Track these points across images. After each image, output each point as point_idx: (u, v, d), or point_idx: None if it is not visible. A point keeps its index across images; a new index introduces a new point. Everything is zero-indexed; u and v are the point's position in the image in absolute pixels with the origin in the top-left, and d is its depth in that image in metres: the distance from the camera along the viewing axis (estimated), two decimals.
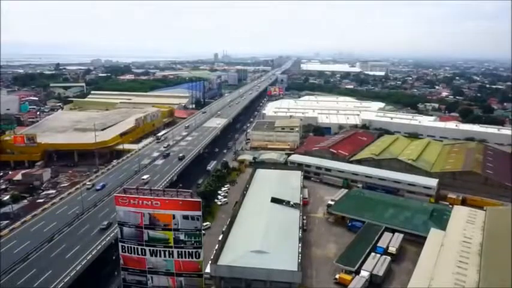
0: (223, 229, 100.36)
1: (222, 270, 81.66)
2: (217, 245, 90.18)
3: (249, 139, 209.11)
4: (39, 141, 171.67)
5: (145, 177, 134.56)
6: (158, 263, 69.38)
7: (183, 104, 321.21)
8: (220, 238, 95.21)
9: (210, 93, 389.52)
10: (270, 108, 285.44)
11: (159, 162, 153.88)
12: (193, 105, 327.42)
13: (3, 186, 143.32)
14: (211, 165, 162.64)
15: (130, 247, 69.14)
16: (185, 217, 65.28)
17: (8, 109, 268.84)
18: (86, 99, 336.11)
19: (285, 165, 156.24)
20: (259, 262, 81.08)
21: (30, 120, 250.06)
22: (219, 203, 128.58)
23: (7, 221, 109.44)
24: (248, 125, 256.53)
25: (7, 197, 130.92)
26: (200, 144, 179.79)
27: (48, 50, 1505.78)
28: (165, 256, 68.50)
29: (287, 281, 79.55)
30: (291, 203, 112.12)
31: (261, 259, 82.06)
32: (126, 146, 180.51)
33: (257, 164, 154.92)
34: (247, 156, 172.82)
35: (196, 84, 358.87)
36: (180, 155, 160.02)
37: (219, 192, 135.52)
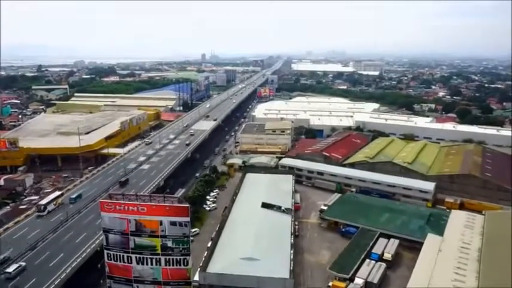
0: (212, 235, 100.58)
1: (211, 278, 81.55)
2: (206, 252, 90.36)
3: (238, 142, 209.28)
4: (22, 145, 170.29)
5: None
6: (145, 271, 69.30)
7: (170, 106, 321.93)
8: (209, 245, 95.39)
9: (198, 94, 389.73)
10: (260, 110, 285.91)
11: (146, 166, 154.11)
12: (181, 108, 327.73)
13: None
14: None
15: (116, 255, 69.09)
16: (173, 223, 65.40)
17: None
18: (69, 102, 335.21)
19: (275, 169, 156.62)
20: (249, 269, 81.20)
21: (12, 123, 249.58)
22: (208, 208, 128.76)
23: None
24: (237, 127, 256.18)
25: None
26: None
27: (28, 52, 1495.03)
28: (151, 264, 68.43)
29: None
30: (282, 208, 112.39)
31: (251, 266, 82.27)
32: (111, 150, 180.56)
33: (247, 168, 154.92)
34: (237, 160, 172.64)
35: (183, 85, 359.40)
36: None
37: (208, 197, 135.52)
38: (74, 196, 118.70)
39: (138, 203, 65.85)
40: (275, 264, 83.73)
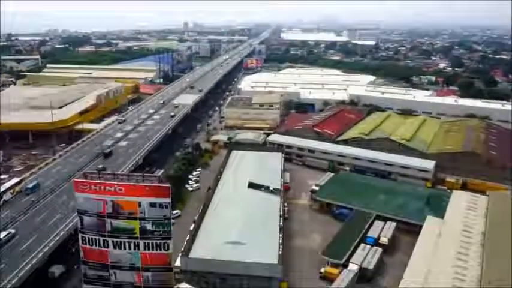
0: (195, 218, 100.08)
1: (194, 263, 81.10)
2: (188, 236, 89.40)
3: (223, 117, 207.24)
4: None
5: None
6: (122, 256, 68.59)
7: (150, 79, 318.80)
8: (191, 228, 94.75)
9: (180, 66, 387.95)
10: (247, 83, 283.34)
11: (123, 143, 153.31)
12: (161, 80, 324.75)
13: None
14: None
15: (91, 238, 68.24)
16: (152, 204, 64.57)
17: None
18: (41, 74, 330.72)
19: (263, 146, 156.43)
20: (235, 254, 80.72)
21: None
22: (190, 188, 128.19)
23: None
24: (222, 101, 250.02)
25: None
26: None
27: None
28: (130, 248, 67.77)
29: (266, 276, 79.02)
30: (271, 188, 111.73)
31: (237, 251, 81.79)
32: (86, 126, 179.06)
33: (232, 145, 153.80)
34: (222, 137, 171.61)
35: (164, 56, 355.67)
36: None
37: (190, 176, 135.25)
38: (30, 186, 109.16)
39: (115, 182, 64.76)
40: (263, 248, 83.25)
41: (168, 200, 64.75)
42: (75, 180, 67.28)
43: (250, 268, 78.98)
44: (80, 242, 69.70)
